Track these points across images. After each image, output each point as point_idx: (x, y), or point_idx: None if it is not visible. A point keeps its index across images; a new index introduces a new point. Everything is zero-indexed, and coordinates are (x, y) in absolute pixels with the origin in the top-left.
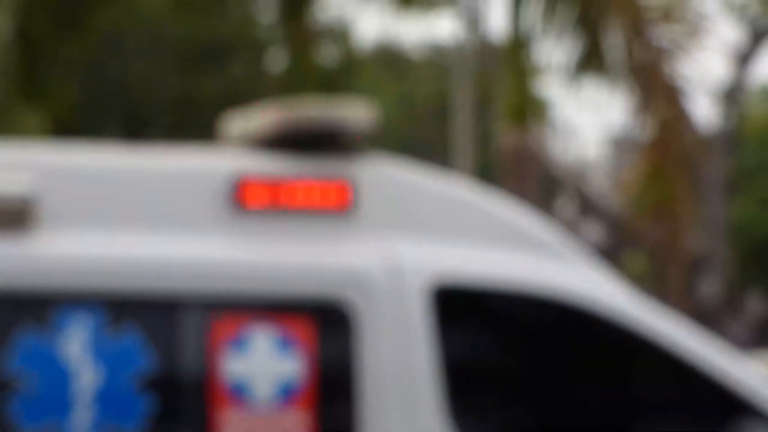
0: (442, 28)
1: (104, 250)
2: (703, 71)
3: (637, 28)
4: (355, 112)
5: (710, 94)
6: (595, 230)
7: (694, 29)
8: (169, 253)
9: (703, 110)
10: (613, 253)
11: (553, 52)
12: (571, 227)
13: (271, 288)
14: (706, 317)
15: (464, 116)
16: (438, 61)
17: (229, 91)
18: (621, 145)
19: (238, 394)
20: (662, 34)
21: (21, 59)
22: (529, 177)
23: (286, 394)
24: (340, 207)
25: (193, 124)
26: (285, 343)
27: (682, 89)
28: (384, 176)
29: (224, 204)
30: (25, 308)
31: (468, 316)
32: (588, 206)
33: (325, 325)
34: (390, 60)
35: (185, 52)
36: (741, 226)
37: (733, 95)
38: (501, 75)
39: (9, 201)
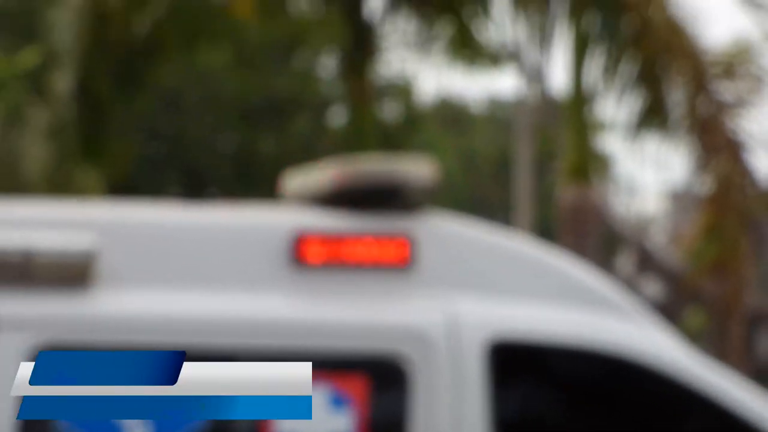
0: (503, 83)
1: (164, 308)
2: (765, 126)
3: (699, 83)
4: (415, 168)
5: None
6: (654, 286)
7: (756, 84)
8: (229, 310)
9: (765, 165)
10: (673, 309)
11: (615, 108)
12: (630, 283)
13: (329, 344)
14: (766, 375)
15: (524, 172)
16: (499, 117)
17: (290, 148)
18: (682, 200)
19: None
20: (724, 89)
21: (81, 116)
22: (590, 233)
23: None
24: (399, 263)
25: (253, 180)
26: (340, 401)
27: (744, 144)
28: (443, 232)
29: (284, 260)
30: None
31: (526, 372)
32: (648, 262)
33: (382, 382)
34: (451, 115)
35: (245, 108)
36: None
37: None
38: (562, 131)
39: (71, 258)
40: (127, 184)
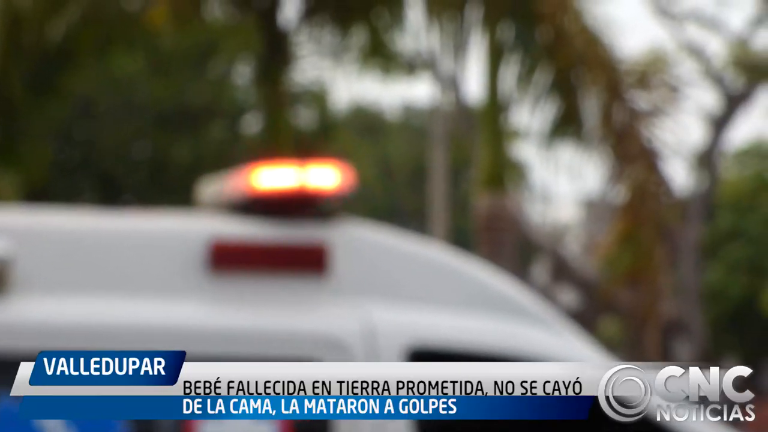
0: (418, 91)
1: (79, 314)
2: (679, 136)
3: (614, 92)
4: (330, 175)
5: (686, 158)
6: (570, 295)
7: (671, 94)
8: (144, 317)
9: (679, 175)
10: (588, 317)
11: (530, 116)
12: (546, 291)
13: (245, 351)
14: None
15: (440, 180)
16: (414, 125)
17: (204, 155)
18: (597, 209)
19: None
20: (639, 99)
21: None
22: (505, 241)
23: None
24: (314, 270)
25: (167, 187)
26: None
27: (658, 153)
28: (358, 240)
29: (198, 267)
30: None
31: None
32: (563, 270)
33: None
34: (366, 123)
35: (160, 115)
36: (714, 291)
37: (708, 160)
38: (477, 139)
39: None
40: (42, 190)
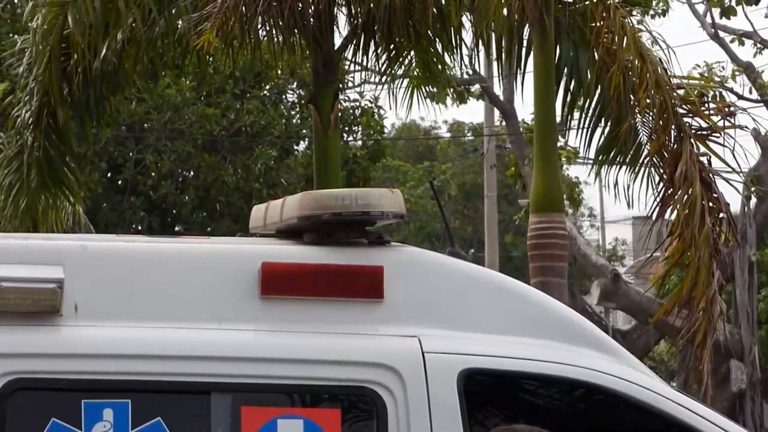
0: (471, 113)
1: (130, 340)
2: (734, 156)
3: (666, 113)
4: (383, 199)
5: (740, 179)
6: (621, 317)
7: (725, 113)
8: (196, 342)
9: (733, 196)
10: (640, 339)
11: (582, 138)
12: (597, 314)
13: (301, 373)
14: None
15: (492, 203)
16: (467, 148)
17: (255, 178)
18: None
19: None
20: (692, 120)
21: (42, 144)
22: (556, 262)
23: None
24: (368, 295)
25: (217, 211)
26: (315, 428)
27: (712, 174)
28: (412, 263)
29: (252, 292)
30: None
31: (501, 402)
32: (615, 292)
33: (356, 410)
34: (418, 146)
35: (210, 138)
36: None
37: (763, 181)
38: (530, 161)
39: (42, 290)
40: (91, 214)
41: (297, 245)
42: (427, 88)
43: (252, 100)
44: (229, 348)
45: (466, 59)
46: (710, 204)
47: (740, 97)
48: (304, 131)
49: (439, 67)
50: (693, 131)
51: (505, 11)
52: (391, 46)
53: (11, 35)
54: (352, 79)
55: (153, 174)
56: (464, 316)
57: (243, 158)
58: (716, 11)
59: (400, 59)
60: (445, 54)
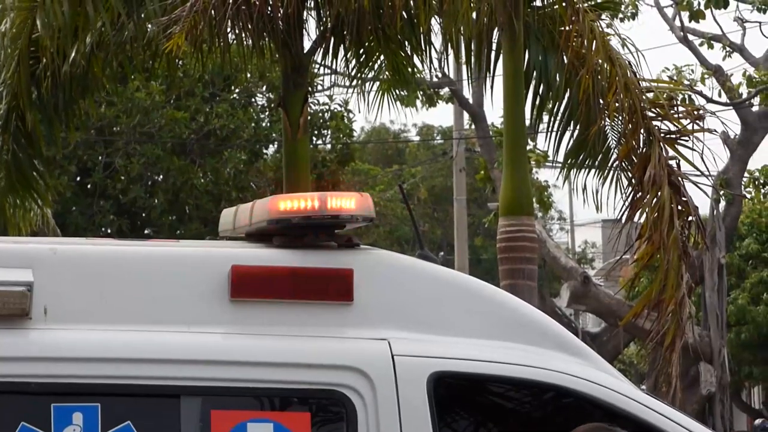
0: (440, 116)
1: (98, 342)
2: (702, 159)
3: (635, 116)
4: (352, 201)
5: (709, 182)
6: (591, 319)
7: (694, 117)
8: (165, 345)
9: (702, 199)
10: (610, 342)
11: (553, 140)
12: (567, 316)
13: (270, 377)
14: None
15: (461, 206)
16: (435, 151)
17: (224, 182)
18: (618, 233)
19: None
20: (661, 124)
21: (11, 148)
22: (525, 265)
23: None
24: (339, 296)
25: (186, 214)
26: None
27: (681, 177)
28: (381, 266)
29: (221, 295)
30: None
31: (470, 405)
32: (584, 294)
33: (326, 413)
34: (387, 148)
35: (179, 141)
36: (738, 317)
37: (731, 184)
38: (500, 164)
39: (11, 293)
40: (60, 217)
41: (267, 248)
42: (396, 91)
43: (221, 104)
44: (199, 351)
45: (435, 62)
46: (679, 207)
47: (709, 100)
48: (274, 135)
49: (410, 70)
50: (662, 134)
51: (474, 15)
52: (361, 50)
53: None
54: (321, 82)
55: (122, 177)
56: (434, 319)
57: (212, 162)
58: (685, 14)
59: (370, 63)
60: (415, 57)
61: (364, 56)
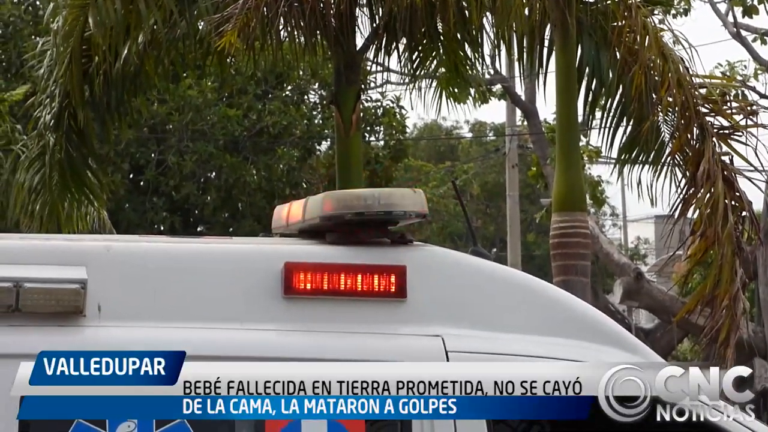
0: (494, 113)
1: (152, 339)
2: (756, 154)
3: (688, 112)
4: (406, 198)
5: (763, 177)
6: (644, 315)
7: (748, 113)
8: (219, 342)
9: (756, 194)
10: (662, 338)
11: (604, 137)
12: (620, 312)
13: None
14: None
15: (515, 202)
16: (489, 148)
17: (277, 179)
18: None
19: None
20: (714, 119)
21: (64, 146)
22: (578, 261)
23: None
24: (392, 293)
25: (239, 211)
26: (339, 428)
27: (735, 172)
28: (436, 262)
29: (275, 292)
30: None
31: None
32: (638, 290)
33: None
34: (440, 145)
35: (232, 139)
36: None
37: None
38: (552, 160)
39: (65, 290)
40: (114, 215)
41: (319, 245)
42: (450, 88)
43: (274, 101)
44: (252, 348)
45: (487, 59)
46: (733, 202)
47: (762, 95)
48: (326, 131)
49: (467, 67)
50: (715, 130)
51: (526, 11)
52: (418, 48)
53: (33, 37)
54: (374, 79)
55: (175, 175)
56: (487, 315)
57: (265, 159)
58: (738, 10)
59: (428, 61)
60: (470, 53)
61: (420, 54)
